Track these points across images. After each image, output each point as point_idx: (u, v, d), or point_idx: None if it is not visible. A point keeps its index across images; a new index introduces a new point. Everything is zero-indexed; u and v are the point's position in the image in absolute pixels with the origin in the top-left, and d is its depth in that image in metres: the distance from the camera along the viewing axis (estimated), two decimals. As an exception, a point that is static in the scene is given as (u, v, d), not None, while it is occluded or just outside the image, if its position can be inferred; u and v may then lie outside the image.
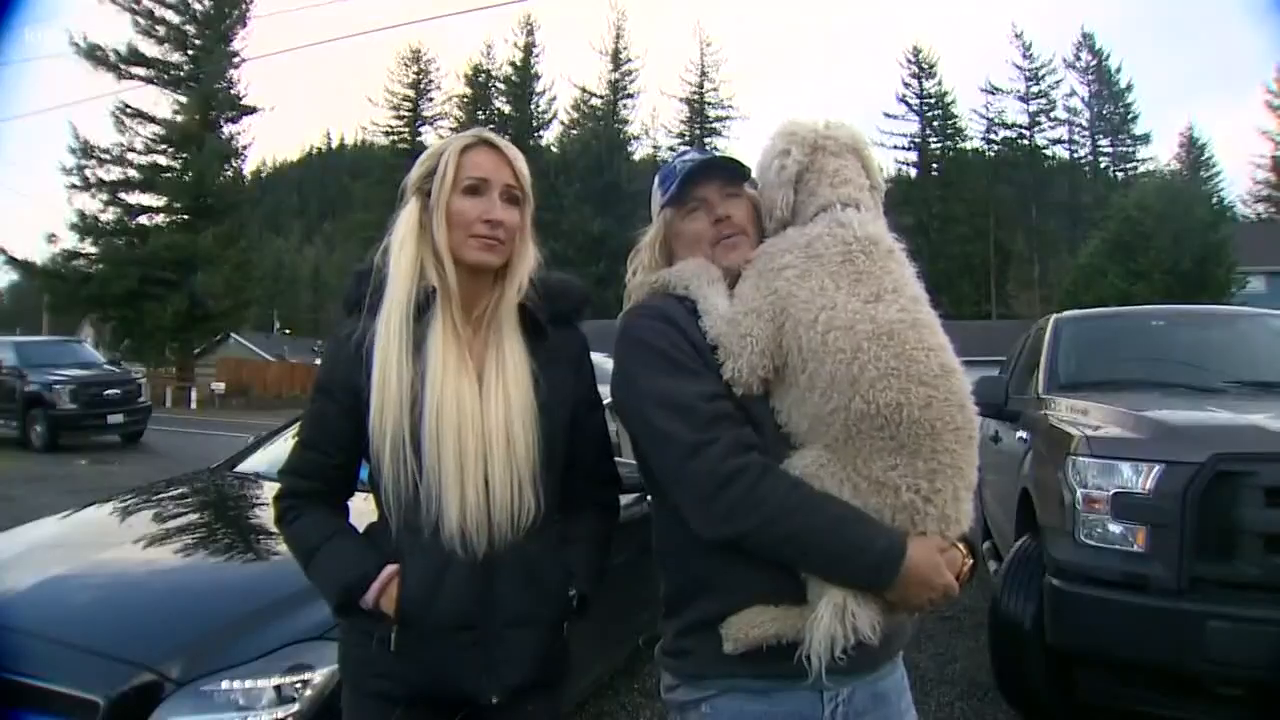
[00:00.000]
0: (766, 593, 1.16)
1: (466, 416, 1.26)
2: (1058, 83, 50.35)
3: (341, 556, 1.31)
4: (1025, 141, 50.51)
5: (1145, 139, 50.79)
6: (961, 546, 1.18)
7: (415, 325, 1.29)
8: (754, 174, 1.35)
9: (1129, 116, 50.78)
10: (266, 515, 2.80)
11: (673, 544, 1.26)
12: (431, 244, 1.31)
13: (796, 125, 1.29)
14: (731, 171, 1.33)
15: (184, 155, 25.28)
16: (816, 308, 1.15)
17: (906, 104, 50.93)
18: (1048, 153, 50.92)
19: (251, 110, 27.19)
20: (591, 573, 1.40)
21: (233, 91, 26.76)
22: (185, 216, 25.25)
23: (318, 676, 1.87)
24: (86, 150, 24.23)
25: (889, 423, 1.11)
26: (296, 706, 1.84)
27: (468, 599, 1.27)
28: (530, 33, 48.22)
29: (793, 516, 1.11)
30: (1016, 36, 52.70)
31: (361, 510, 1.42)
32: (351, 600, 1.28)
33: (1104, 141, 51.69)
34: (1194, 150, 46.85)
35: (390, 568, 1.28)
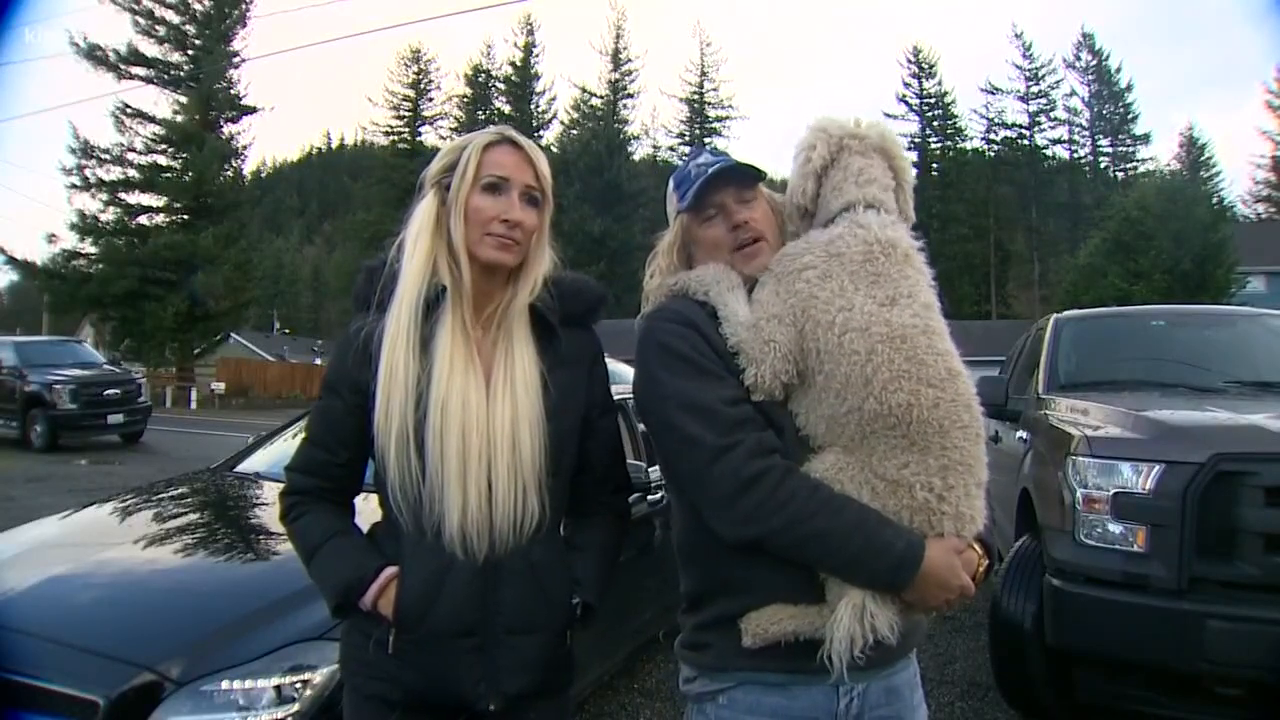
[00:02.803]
0: (787, 592, 1.18)
1: (471, 416, 1.25)
2: (1058, 83, 50.37)
3: (341, 556, 1.30)
4: (1025, 141, 50.46)
5: (1145, 139, 50.84)
6: (977, 547, 1.20)
7: (424, 322, 1.27)
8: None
9: (1129, 116, 50.78)
10: (267, 515, 2.82)
11: (695, 543, 1.27)
12: (447, 240, 1.30)
13: (828, 122, 1.31)
14: (745, 176, 1.33)
15: (184, 155, 25.22)
16: (835, 309, 1.17)
17: (906, 104, 50.98)
18: (1048, 153, 50.87)
19: (251, 110, 27.17)
20: (598, 581, 1.38)
21: (233, 91, 26.73)
22: (185, 216, 25.21)
23: (318, 676, 1.87)
24: (86, 150, 24.19)
25: (900, 422, 1.13)
26: (296, 706, 1.84)
27: (468, 604, 1.26)
28: (530, 33, 48.32)
29: (814, 519, 1.13)
30: (1016, 36, 52.98)
31: (364, 511, 1.41)
32: (349, 600, 1.27)
33: (1104, 141, 51.67)
34: (1194, 150, 46.80)
35: (389, 569, 1.27)
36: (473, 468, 1.24)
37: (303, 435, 1.40)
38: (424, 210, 1.31)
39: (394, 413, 1.24)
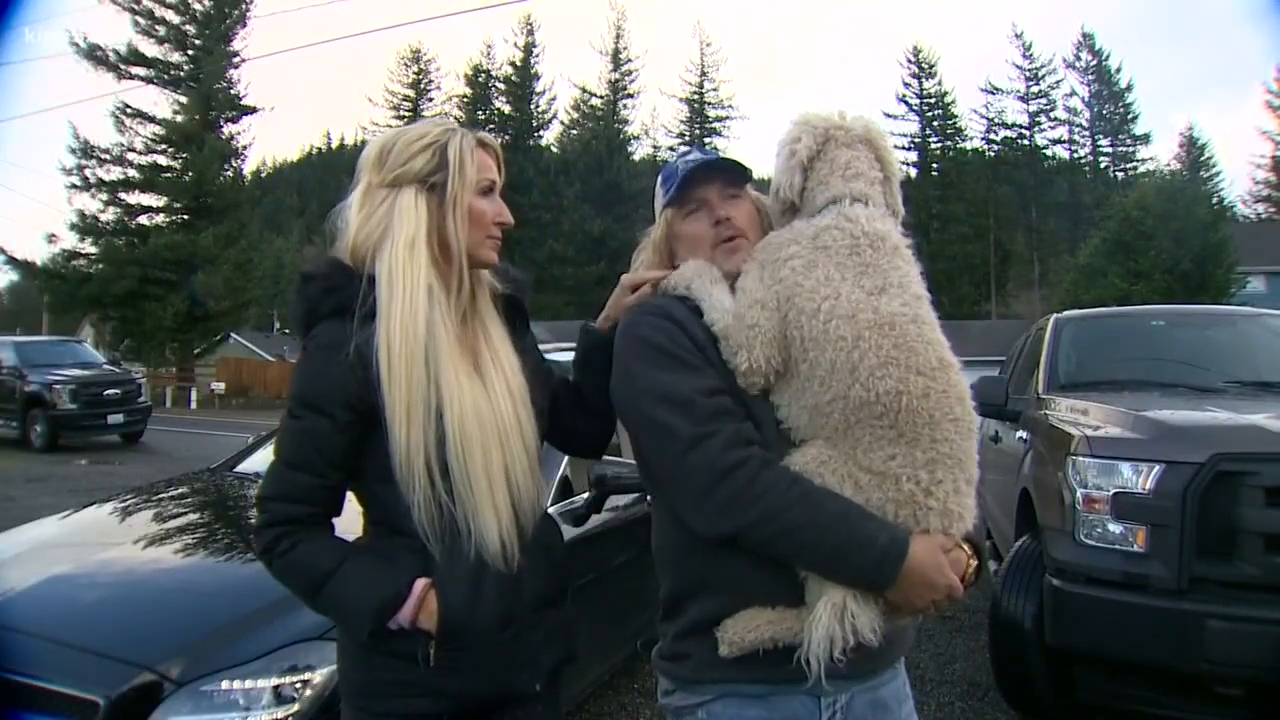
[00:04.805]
0: (765, 594, 1.14)
1: (488, 430, 1.23)
2: (1058, 83, 50.50)
3: (363, 578, 1.22)
4: (1025, 141, 50.54)
5: (1145, 139, 50.98)
6: (966, 548, 1.16)
7: None
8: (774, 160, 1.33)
9: (1129, 116, 50.89)
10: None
11: (672, 543, 1.24)
12: (439, 243, 1.27)
13: (811, 115, 1.28)
14: (733, 173, 1.32)
15: (184, 155, 25.17)
16: (820, 297, 1.14)
17: (906, 104, 50.97)
18: (1048, 153, 50.99)
19: (251, 110, 27.11)
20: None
21: (233, 91, 26.70)
22: (185, 216, 25.16)
23: (318, 676, 1.87)
24: (86, 150, 24.15)
25: (888, 410, 1.09)
26: (296, 706, 1.84)
27: (507, 596, 1.25)
28: (530, 33, 48.29)
29: (792, 511, 1.09)
30: (1016, 36, 53.07)
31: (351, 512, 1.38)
32: (384, 621, 1.20)
33: (1104, 141, 51.77)
34: (1194, 150, 46.83)
35: (422, 582, 1.21)
36: (498, 483, 1.23)
37: (276, 461, 1.28)
38: (412, 211, 1.25)
39: (415, 435, 1.19)
